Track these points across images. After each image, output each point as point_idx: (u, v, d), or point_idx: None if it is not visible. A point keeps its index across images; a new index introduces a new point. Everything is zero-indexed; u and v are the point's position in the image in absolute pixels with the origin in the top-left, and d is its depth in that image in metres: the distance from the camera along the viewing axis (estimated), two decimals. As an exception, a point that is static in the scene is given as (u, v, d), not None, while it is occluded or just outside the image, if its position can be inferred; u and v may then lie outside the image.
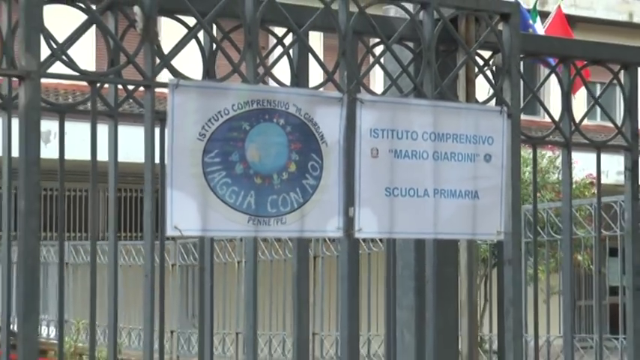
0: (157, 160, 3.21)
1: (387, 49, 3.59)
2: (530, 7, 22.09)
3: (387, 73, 3.67)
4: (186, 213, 3.08)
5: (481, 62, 3.96)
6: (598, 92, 4.84)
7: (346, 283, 3.55)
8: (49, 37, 2.90)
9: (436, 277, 3.71)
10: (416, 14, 3.62)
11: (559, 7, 22.60)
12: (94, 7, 3.05)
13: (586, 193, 17.31)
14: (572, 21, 26.02)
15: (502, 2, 3.81)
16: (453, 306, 3.79)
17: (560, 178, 5.00)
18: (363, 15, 3.50)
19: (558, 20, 21.00)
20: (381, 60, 3.71)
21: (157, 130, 3.20)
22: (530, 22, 19.35)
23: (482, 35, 3.72)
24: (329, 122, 3.31)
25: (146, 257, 3.16)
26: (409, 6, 3.69)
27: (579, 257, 13.94)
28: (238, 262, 9.84)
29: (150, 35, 3.00)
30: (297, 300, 3.50)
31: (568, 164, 4.27)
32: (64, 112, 3.39)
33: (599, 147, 4.38)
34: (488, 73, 3.93)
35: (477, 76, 3.86)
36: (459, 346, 3.89)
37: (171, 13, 3.29)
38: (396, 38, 3.59)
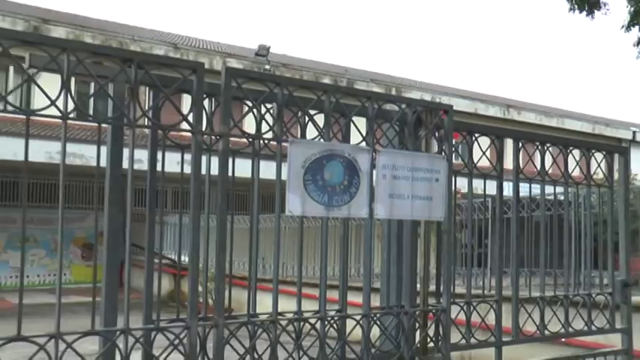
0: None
1: (391, 127, 3.92)
2: None
3: (387, 139, 3.95)
4: (294, 204, 3.34)
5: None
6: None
7: (369, 239, 3.86)
8: (231, 116, 3.17)
9: (409, 237, 3.95)
10: (403, 110, 3.88)
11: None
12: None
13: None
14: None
15: (445, 104, 4.12)
16: (415, 253, 3.97)
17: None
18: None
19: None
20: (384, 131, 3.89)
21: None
22: None
23: (433, 121, 3.93)
24: (363, 161, 3.57)
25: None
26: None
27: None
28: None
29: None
30: (342, 244, 3.70)
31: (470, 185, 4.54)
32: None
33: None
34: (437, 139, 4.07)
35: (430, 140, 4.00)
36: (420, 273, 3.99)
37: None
38: (394, 121, 3.87)
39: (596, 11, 10.23)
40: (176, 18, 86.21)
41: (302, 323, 3.50)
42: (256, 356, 3.36)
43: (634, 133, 36.01)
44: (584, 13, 10.18)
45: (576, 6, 10.13)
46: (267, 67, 24.85)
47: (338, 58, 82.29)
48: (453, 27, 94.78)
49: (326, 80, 26.35)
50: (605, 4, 10.29)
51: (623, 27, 10.09)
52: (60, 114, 2.70)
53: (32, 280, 19.52)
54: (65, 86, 2.70)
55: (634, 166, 34.35)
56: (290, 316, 3.48)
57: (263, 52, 25.46)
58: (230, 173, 3.25)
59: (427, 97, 24.43)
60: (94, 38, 21.14)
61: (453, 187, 4.15)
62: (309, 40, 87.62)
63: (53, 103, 2.66)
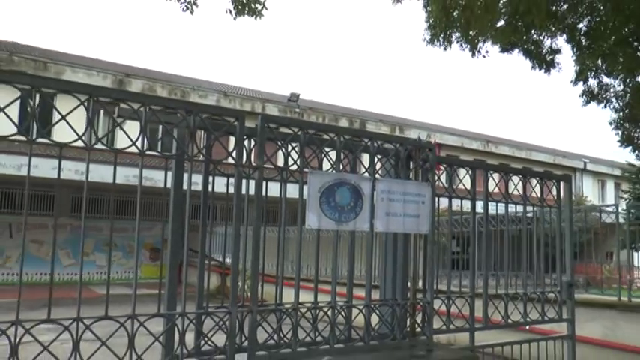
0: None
1: (387, 161, 3.93)
2: (424, 138, 21.93)
3: (385, 170, 3.99)
4: (312, 219, 3.36)
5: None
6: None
7: (370, 247, 3.77)
8: (264, 152, 3.29)
9: (402, 246, 4.01)
10: (397, 148, 3.92)
11: (435, 141, 22.49)
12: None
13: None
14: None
15: (428, 142, 4.15)
16: (407, 259, 4.00)
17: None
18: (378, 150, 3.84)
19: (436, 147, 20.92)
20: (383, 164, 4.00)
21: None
22: None
23: (421, 157, 3.98)
24: (366, 187, 3.57)
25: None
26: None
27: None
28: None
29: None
30: (349, 252, 3.74)
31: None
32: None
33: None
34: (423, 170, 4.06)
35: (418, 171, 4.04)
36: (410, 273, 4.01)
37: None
38: (391, 156, 3.89)
39: (551, 69, 10.22)
40: (223, 68, 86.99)
41: (317, 311, 3.55)
42: (281, 335, 3.41)
43: (585, 163, 35.59)
44: (543, 70, 10.17)
45: (537, 65, 10.13)
46: (297, 110, 25.00)
47: (353, 101, 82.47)
48: (445, 73, 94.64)
49: (343, 120, 26.42)
50: (558, 63, 10.29)
51: (571, 81, 10.08)
52: (139, 151, 2.83)
53: (112, 276, 19.76)
54: (143, 131, 2.82)
55: (585, 190, 33.76)
56: (308, 305, 3.52)
57: (294, 98, 25.63)
58: (263, 195, 3.33)
59: (424, 135, 24.30)
60: (163, 88, 21.47)
61: (437, 207, 4.19)
62: (330, 85, 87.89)
63: (134, 143, 2.78)
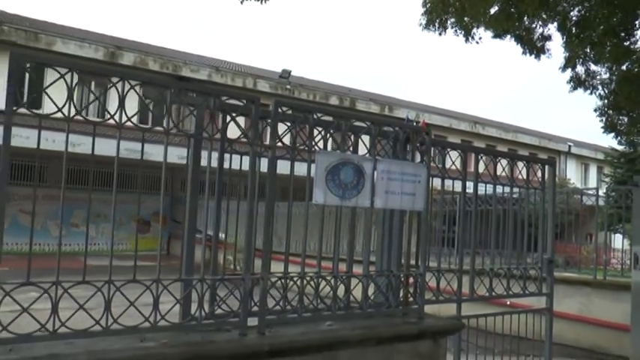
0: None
1: (387, 143, 4.21)
2: (412, 118, 22.17)
3: (385, 151, 4.19)
4: (319, 195, 3.60)
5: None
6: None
7: (369, 223, 4.15)
8: (277, 133, 3.64)
9: (398, 222, 4.32)
10: (397, 131, 4.18)
11: (423, 120, 22.77)
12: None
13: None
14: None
15: (422, 128, 4.45)
16: (402, 232, 4.29)
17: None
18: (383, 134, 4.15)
19: (423, 126, 21.16)
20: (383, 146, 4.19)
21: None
22: None
23: (418, 139, 4.26)
24: (367, 167, 3.81)
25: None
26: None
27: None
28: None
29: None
30: (350, 228, 3.98)
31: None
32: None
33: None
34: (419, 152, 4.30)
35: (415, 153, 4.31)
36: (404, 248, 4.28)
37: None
38: (390, 139, 4.17)
39: (542, 55, 10.50)
40: (215, 43, 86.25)
41: (320, 280, 3.84)
42: (287, 302, 3.67)
43: (569, 146, 36.18)
44: (533, 56, 10.45)
45: (528, 51, 10.40)
46: (288, 87, 25.11)
47: (343, 79, 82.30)
48: (435, 54, 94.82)
49: (333, 98, 26.59)
50: (548, 50, 10.57)
51: (560, 68, 10.40)
52: (163, 129, 3.09)
53: (102, 247, 20.00)
54: (168, 112, 3.08)
55: (569, 173, 34.36)
56: (312, 274, 3.80)
57: (285, 75, 25.72)
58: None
59: (412, 114, 24.66)
60: (155, 61, 21.48)
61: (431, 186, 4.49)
62: (321, 63, 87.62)
63: (160, 123, 3.03)
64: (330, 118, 3.86)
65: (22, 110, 2.78)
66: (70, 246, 19.92)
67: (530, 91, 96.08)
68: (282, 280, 3.66)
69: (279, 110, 3.54)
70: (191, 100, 3.33)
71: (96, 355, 2.75)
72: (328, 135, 3.85)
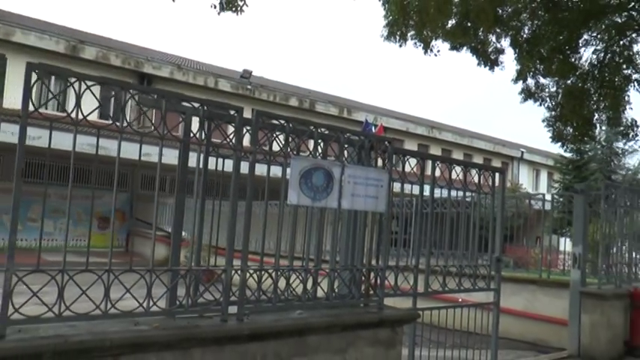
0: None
1: (358, 153, 4.67)
2: (370, 121, 22.74)
3: (352, 158, 4.59)
4: (293, 197, 4.01)
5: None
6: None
7: (336, 223, 4.60)
8: (257, 140, 4.10)
9: (360, 222, 4.71)
10: (362, 140, 4.67)
11: (381, 124, 23.50)
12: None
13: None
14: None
15: (387, 137, 4.91)
16: (364, 232, 4.70)
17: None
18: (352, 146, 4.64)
19: (381, 129, 21.82)
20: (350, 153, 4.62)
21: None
22: (373, 130, 20.02)
23: (381, 148, 4.70)
24: (336, 171, 4.24)
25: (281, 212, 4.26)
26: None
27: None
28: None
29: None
30: (318, 227, 4.41)
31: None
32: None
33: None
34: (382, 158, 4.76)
35: (380, 159, 4.78)
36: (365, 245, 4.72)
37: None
38: (357, 146, 4.60)
39: (495, 67, 11.19)
40: (177, 39, 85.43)
41: (291, 273, 4.27)
42: (262, 292, 4.09)
43: (522, 152, 37.61)
44: (487, 67, 11.14)
45: (482, 62, 11.08)
46: (249, 87, 25.41)
47: (303, 81, 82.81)
48: (394, 59, 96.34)
49: (293, 99, 27.00)
50: (501, 62, 11.29)
51: (512, 80, 11.13)
52: (158, 135, 3.47)
53: (59, 243, 19.85)
54: (163, 119, 3.47)
55: (521, 178, 35.69)
56: (284, 268, 4.22)
57: (246, 75, 26.00)
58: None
59: (371, 117, 25.32)
60: (117, 57, 21.45)
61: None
62: (282, 64, 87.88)
63: (156, 129, 3.42)
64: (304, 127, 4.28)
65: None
66: (26, 241, 19.75)
67: (487, 98, 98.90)
68: (258, 273, 4.08)
69: (259, 119, 3.95)
70: (182, 108, 3.71)
71: (97, 336, 3.11)
72: (301, 142, 4.28)
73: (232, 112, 3.84)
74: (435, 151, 32.48)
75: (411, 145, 30.11)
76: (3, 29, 19.29)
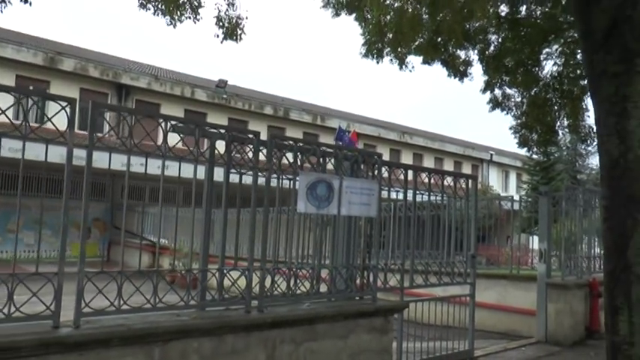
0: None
1: (352, 167, 5.43)
2: (344, 127, 23.47)
3: (347, 171, 5.33)
4: (301, 206, 4.72)
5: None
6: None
7: (338, 226, 5.45)
8: (271, 159, 4.84)
9: (354, 225, 5.46)
10: (356, 155, 5.45)
11: (354, 130, 24.27)
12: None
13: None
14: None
15: (378, 153, 5.61)
16: (359, 235, 5.50)
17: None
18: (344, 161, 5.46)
19: (354, 136, 22.55)
20: (346, 167, 5.46)
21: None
22: (346, 135, 20.71)
23: (371, 161, 5.53)
24: (336, 183, 4.96)
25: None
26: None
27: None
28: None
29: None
30: (320, 232, 5.21)
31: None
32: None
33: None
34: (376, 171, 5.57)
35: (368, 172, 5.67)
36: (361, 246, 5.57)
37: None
38: (352, 161, 5.35)
39: (465, 78, 12.07)
40: (153, 48, 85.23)
41: (297, 270, 5.03)
42: (276, 287, 4.84)
43: (491, 155, 38.91)
44: (457, 78, 12.01)
45: (452, 74, 11.97)
46: (225, 96, 26.03)
47: (277, 88, 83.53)
48: (365, 65, 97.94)
49: (268, 108, 27.68)
50: (470, 73, 12.16)
51: (480, 90, 12.04)
52: (193, 157, 4.21)
53: (41, 254, 20.15)
54: (197, 144, 4.20)
55: (491, 180, 36.81)
56: (294, 265, 4.98)
57: (222, 84, 26.59)
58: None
59: (344, 124, 26.12)
60: (96, 68, 21.87)
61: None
62: (256, 71, 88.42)
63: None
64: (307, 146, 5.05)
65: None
66: (6, 253, 20.00)
67: (456, 102, 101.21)
68: (273, 270, 4.82)
69: (274, 141, 4.71)
70: (207, 134, 4.44)
71: (152, 324, 3.82)
72: (305, 159, 5.05)
73: (250, 136, 4.59)
74: (407, 155, 33.54)
75: (383, 150, 30.95)
76: (-21, 42, 19.58)
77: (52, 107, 3.66)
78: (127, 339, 3.68)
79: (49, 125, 3.54)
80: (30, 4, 6.51)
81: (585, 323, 8.75)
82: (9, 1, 6.30)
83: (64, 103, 3.63)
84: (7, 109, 3.38)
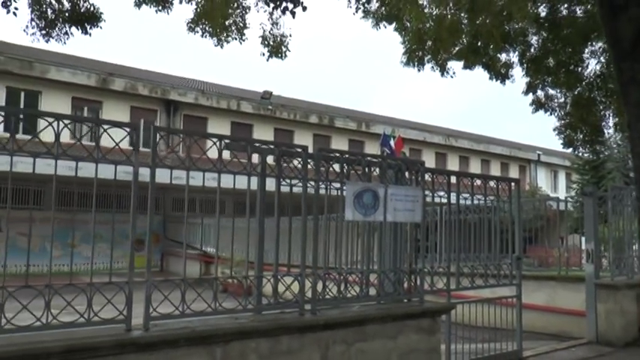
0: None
1: (396, 175, 5.83)
2: (388, 133, 23.47)
3: (392, 179, 5.57)
4: (349, 214, 4.98)
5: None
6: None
7: (384, 234, 5.66)
8: (320, 171, 5.13)
9: (400, 231, 5.69)
10: (400, 164, 5.77)
11: (399, 135, 24.22)
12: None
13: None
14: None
15: (418, 159, 5.85)
16: (405, 240, 5.71)
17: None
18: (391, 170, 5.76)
19: (399, 141, 22.42)
20: (390, 175, 5.77)
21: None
22: (391, 142, 20.68)
23: (414, 169, 5.85)
24: (381, 191, 5.19)
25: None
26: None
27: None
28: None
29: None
30: (367, 239, 5.55)
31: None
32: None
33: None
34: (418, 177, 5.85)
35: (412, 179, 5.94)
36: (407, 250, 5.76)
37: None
38: (396, 170, 5.63)
39: (506, 80, 12.12)
40: (199, 64, 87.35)
41: (346, 276, 5.29)
42: (327, 291, 5.11)
43: (539, 155, 38.24)
44: (499, 81, 12.07)
45: (494, 77, 12.04)
46: (270, 107, 26.57)
47: (321, 97, 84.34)
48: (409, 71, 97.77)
49: (313, 117, 28.11)
50: (512, 75, 12.19)
51: (523, 92, 12.07)
52: (247, 171, 4.53)
53: (99, 266, 21.05)
54: (249, 160, 4.53)
55: (539, 180, 36.16)
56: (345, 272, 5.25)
57: (267, 96, 27.16)
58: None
59: (389, 130, 26.19)
60: (145, 86, 22.74)
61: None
62: (300, 80, 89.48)
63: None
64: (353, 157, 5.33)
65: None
66: (66, 266, 20.96)
67: (500, 105, 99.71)
68: (325, 275, 5.09)
69: (321, 154, 5.01)
70: (258, 149, 4.76)
71: (213, 327, 4.15)
72: (352, 169, 5.32)
73: (299, 150, 4.90)
74: (453, 159, 33.36)
75: (428, 155, 31.10)
76: (40, 68, 20.68)
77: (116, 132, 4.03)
78: (191, 340, 4.01)
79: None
80: (15, 14, 6.62)
81: (639, 324, 8.65)
82: (70, 33, 6.78)
83: (128, 129, 4.03)
84: (82, 137, 3.78)
